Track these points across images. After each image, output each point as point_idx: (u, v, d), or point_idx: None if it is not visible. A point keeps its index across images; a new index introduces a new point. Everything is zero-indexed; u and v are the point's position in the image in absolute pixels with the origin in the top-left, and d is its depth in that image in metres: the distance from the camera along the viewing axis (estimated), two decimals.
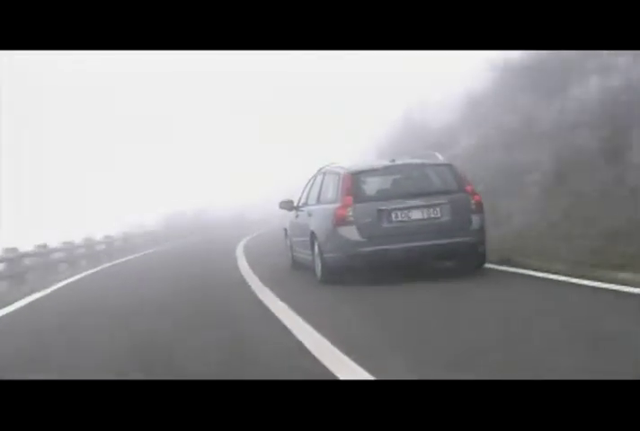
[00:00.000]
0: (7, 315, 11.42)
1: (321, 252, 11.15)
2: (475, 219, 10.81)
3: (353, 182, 10.98)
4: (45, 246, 20.58)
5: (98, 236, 27.69)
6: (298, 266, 13.21)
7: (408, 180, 11.13)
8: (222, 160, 65.43)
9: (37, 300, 13.38)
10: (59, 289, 15.35)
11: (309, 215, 12.07)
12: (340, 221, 10.76)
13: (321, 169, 12.70)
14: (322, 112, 55.01)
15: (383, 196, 10.89)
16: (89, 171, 65.50)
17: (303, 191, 13.27)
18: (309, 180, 13.16)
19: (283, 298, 9.91)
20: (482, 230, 10.93)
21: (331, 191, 11.50)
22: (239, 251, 21.62)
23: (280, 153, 61.70)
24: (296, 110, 59.59)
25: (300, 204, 13.05)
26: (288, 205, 13.39)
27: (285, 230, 14.29)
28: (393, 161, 11.45)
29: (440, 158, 11.69)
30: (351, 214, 10.70)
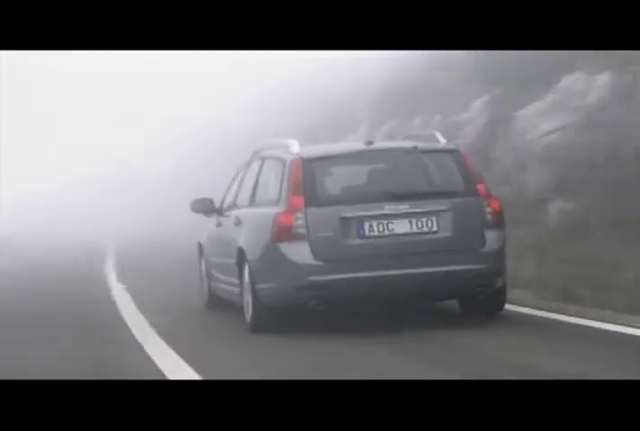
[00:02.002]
0: None
1: (253, 282, 7.64)
2: (491, 236, 7.64)
3: (307, 174, 7.55)
4: None
5: None
6: (218, 303, 9.20)
7: (391, 174, 7.91)
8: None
9: None
10: None
11: (237, 222, 8.31)
12: (283, 233, 7.42)
13: (258, 151, 8.83)
14: None
15: (352, 197, 7.66)
16: None
17: (230, 185, 9.31)
18: (239, 169, 9.21)
19: None
20: (500, 253, 7.70)
21: (271, 187, 7.96)
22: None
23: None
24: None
25: (225, 205, 9.14)
26: (204, 205, 9.35)
27: (199, 245, 10.09)
28: (369, 143, 7.99)
29: (442, 141, 7.99)
30: (300, 222, 7.42)
